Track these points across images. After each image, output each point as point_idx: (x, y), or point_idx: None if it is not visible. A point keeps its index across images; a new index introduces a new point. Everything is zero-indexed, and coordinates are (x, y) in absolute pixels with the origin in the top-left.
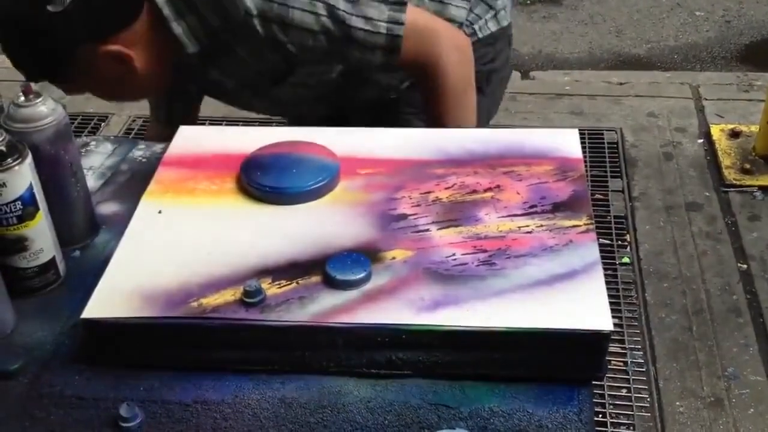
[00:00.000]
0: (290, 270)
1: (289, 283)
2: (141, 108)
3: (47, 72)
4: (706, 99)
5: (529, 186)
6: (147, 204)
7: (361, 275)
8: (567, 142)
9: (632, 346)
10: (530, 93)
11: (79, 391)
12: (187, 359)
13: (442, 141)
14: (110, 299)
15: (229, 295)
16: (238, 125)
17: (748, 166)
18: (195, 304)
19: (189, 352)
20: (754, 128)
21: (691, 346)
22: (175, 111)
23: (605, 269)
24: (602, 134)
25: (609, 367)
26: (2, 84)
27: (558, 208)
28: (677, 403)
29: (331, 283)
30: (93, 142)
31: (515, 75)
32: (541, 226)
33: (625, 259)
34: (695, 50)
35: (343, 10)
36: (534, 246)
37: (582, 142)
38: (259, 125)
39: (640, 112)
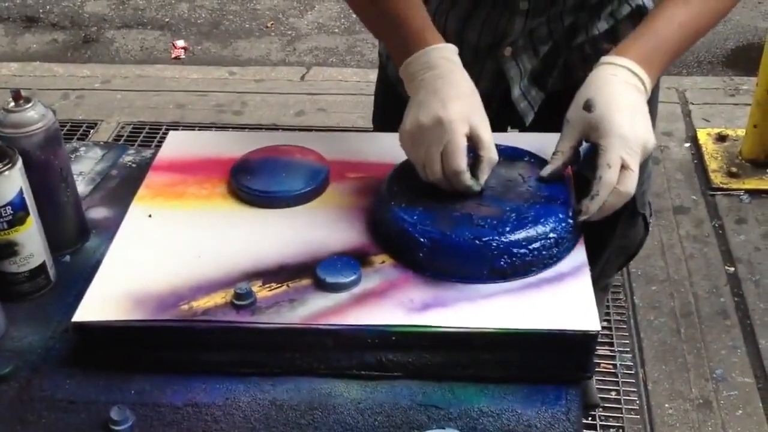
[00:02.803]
0: (280, 273)
1: (279, 286)
2: (129, 115)
3: None
4: (693, 103)
5: None
6: (137, 208)
7: (351, 278)
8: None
9: (621, 349)
10: None
11: (70, 394)
12: (177, 362)
13: None
14: (101, 303)
15: (219, 298)
16: (227, 131)
17: (734, 169)
18: (186, 307)
19: (180, 355)
20: (741, 132)
21: (680, 348)
22: None
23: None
24: None
25: (598, 369)
26: None
27: None
28: (666, 405)
29: (321, 286)
30: (83, 148)
31: None
32: None
33: None
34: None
35: None
36: None
37: None
38: (248, 131)
39: None
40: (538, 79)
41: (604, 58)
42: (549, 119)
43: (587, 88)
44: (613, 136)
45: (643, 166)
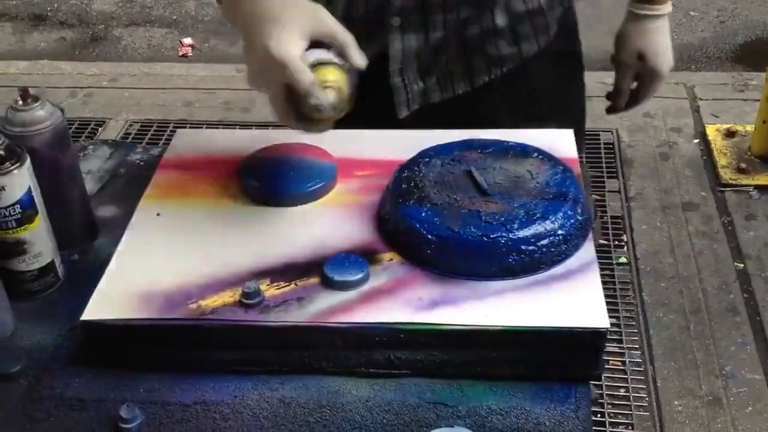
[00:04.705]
0: (288, 271)
1: (287, 284)
2: (137, 112)
3: None
4: (702, 99)
5: None
6: (145, 207)
7: (359, 276)
8: (562, 142)
9: (630, 346)
10: None
11: (79, 392)
12: (186, 360)
13: (438, 141)
14: (109, 301)
15: (227, 297)
16: (235, 128)
17: (743, 165)
18: (194, 305)
19: (188, 354)
20: (750, 128)
21: (689, 345)
22: None
23: (602, 269)
24: (598, 135)
25: (607, 366)
26: (0, 89)
27: None
28: (675, 402)
29: (329, 284)
30: (91, 146)
31: None
32: None
33: (622, 259)
34: (690, 50)
35: None
36: None
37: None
38: (255, 128)
39: (635, 113)
40: (423, 70)
41: (642, 10)
42: (450, 117)
43: (639, 38)
44: (657, 82)
45: None
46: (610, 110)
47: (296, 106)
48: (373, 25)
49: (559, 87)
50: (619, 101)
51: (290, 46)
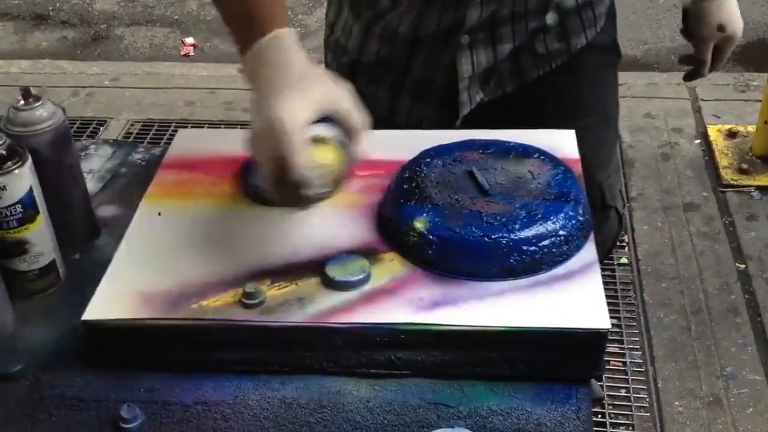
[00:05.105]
0: (289, 272)
1: (288, 284)
2: (139, 112)
3: None
4: (703, 99)
5: None
6: (146, 206)
7: (360, 276)
8: (563, 143)
9: (631, 347)
10: None
11: (80, 392)
12: (187, 360)
13: (439, 142)
14: (110, 301)
15: (228, 297)
16: (236, 128)
17: (745, 166)
18: (195, 305)
19: (189, 354)
20: (751, 128)
21: (690, 345)
22: None
23: (603, 270)
24: None
25: (608, 367)
26: (2, 89)
27: None
28: (676, 403)
29: (330, 285)
30: (92, 146)
31: None
32: None
33: (623, 260)
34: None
35: None
36: None
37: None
38: None
39: (637, 113)
40: (483, 77)
41: None
42: (498, 116)
43: (717, 12)
44: (733, 45)
45: (608, 163)
46: (690, 77)
47: (284, 178)
48: (441, 43)
49: (601, 80)
50: (703, 71)
51: (298, 117)
